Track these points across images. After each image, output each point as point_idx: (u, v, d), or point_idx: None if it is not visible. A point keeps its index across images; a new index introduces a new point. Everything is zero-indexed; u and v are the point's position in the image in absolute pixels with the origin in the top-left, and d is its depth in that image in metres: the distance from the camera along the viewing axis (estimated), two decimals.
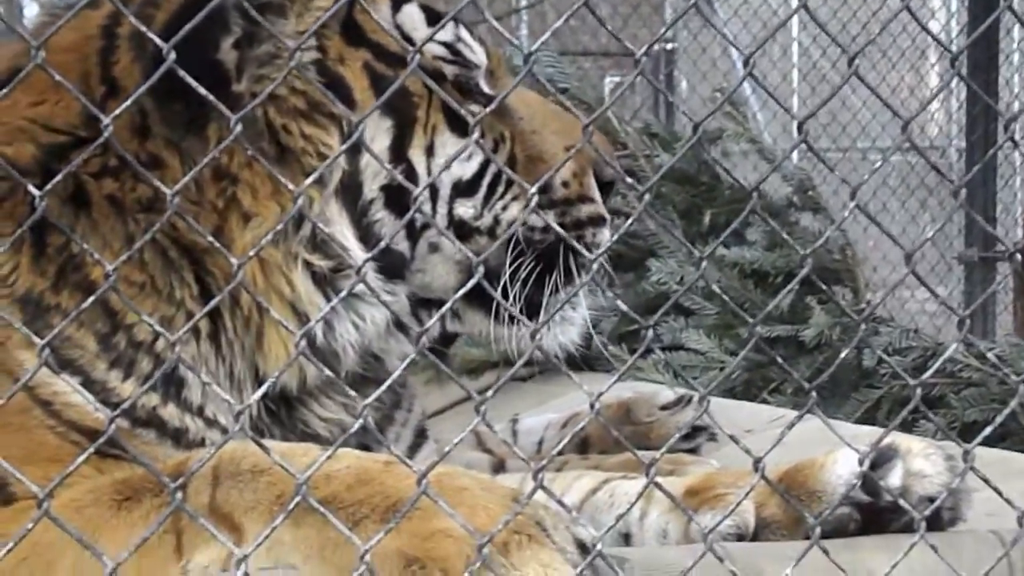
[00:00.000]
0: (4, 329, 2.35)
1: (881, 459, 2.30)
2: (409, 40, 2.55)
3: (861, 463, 2.27)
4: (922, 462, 2.32)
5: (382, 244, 2.18)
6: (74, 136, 2.46)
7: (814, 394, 2.14)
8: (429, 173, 2.53)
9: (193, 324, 2.22)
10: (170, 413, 2.43)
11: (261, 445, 1.95)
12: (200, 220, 2.39)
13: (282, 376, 2.47)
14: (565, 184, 2.63)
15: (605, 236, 2.64)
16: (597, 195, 2.66)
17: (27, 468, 2.11)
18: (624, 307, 2.25)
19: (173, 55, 1.77)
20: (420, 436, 2.86)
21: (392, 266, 2.53)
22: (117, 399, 2.39)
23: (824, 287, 2.49)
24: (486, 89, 2.65)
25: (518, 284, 2.57)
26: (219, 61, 2.37)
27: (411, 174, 2.52)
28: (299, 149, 2.44)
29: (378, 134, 2.50)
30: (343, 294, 2.18)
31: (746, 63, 2.09)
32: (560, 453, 2.15)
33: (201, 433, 2.45)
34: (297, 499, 1.87)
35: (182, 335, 2.02)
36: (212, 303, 2.16)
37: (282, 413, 2.55)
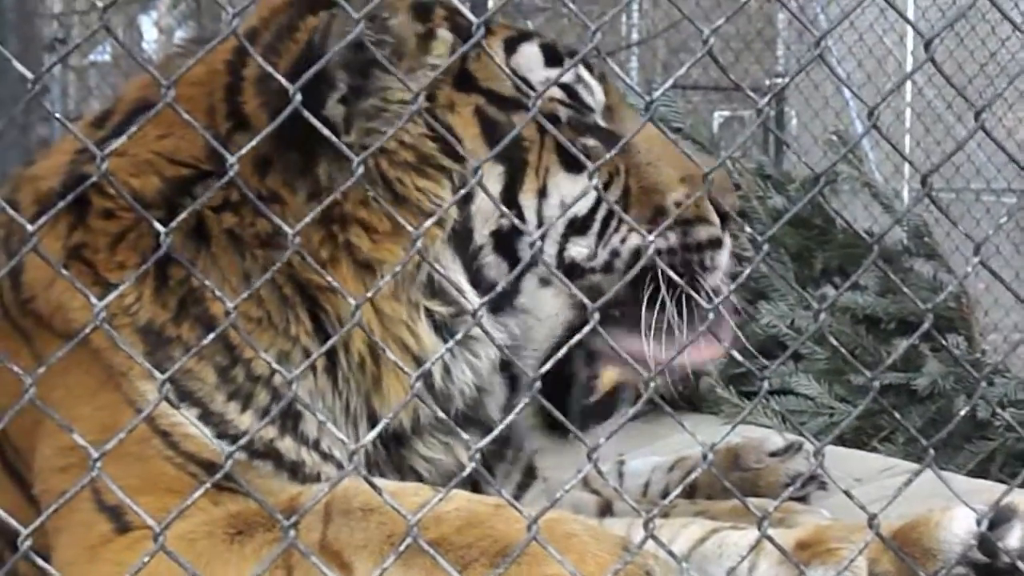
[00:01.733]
0: (127, 359, 2.39)
1: (999, 519, 2.26)
2: (526, 82, 2.54)
3: (979, 523, 2.23)
4: None
5: (498, 288, 2.18)
6: (198, 169, 2.50)
7: (932, 451, 2.11)
8: (539, 214, 2.53)
9: (311, 362, 2.23)
10: (287, 446, 2.45)
11: (373, 484, 1.96)
12: (316, 258, 2.42)
13: (399, 417, 2.48)
14: (678, 205, 2.60)
15: (723, 259, 2.64)
16: (715, 218, 2.64)
17: (144, 497, 2.15)
18: (736, 355, 2.23)
19: (299, 97, 1.80)
20: (529, 475, 2.85)
21: (499, 304, 2.52)
22: (235, 431, 2.42)
23: (939, 337, 2.44)
24: (604, 125, 2.64)
25: (656, 312, 2.55)
26: (326, 117, 2.38)
27: (520, 218, 2.52)
28: (414, 199, 2.45)
29: (489, 180, 2.49)
30: (457, 337, 2.19)
31: (870, 115, 2.06)
32: (669, 501, 2.13)
33: (317, 467, 2.46)
34: (408, 540, 1.88)
35: (299, 373, 2.04)
36: (330, 343, 2.17)
37: (390, 450, 2.56)
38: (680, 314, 2.53)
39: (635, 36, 12.16)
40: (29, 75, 1.71)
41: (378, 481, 2.13)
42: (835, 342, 2.11)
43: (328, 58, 2.15)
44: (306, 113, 1.83)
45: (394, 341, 2.44)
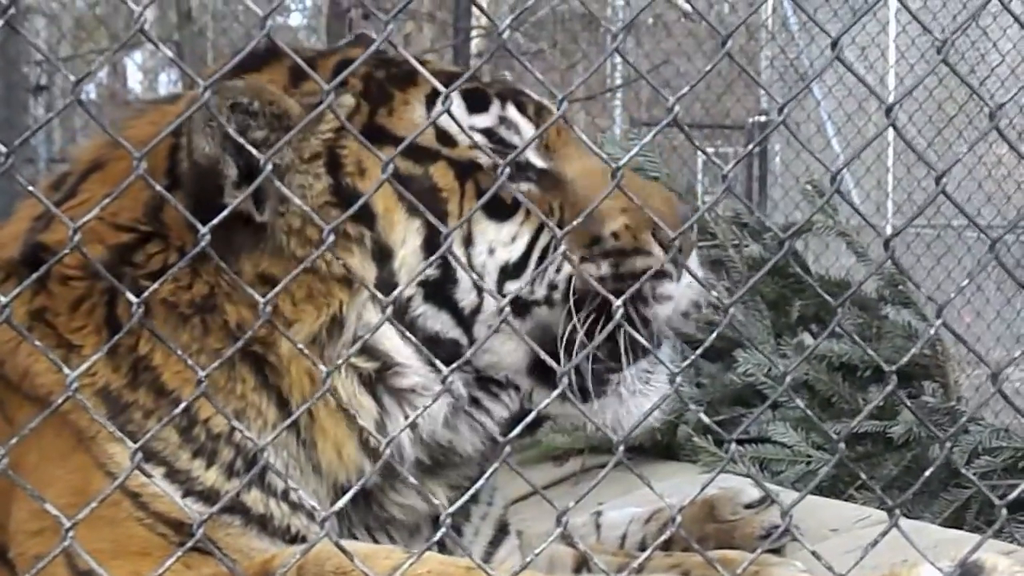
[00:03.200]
0: (92, 423, 2.42)
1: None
2: (444, 134, 2.57)
3: None
4: None
5: (465, 357, 2.20)
6: (137, 232, 2.54)
7: (897, 511, 2.13)
8: (470, 262, 2.54)
9: (280, 430, 2.25)
10: (254, 499, 2.48)
11: (343, 550, 1.98)
12: (252, 319, 2.45)
13: (340, 476, 2.51)
14: (615, 235, 2.59)
15: (669, 289, 2.60)
16: (656, 250, 2.60)
17: (117, 562, 2.18)
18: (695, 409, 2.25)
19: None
20: (501, 531, 2.86)
21: (446, 355, 2.48)
22: (201, 487, 2.45)
23: (904, 390, 2.46)
24: (538, 164, 2.63)
25: (582, 349, 2.52)
26: (226, 204, 2.42)
27: (448, 267, 2.52)
28: (324, 270, 2.49)
29: (408, 235, 2.52)
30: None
31: (832, 179, 2.10)
32: (640, 563, 2.16)
33: (287, 519, 2.49)
34: None
35: (271, 440, 2.07)
36: (296, 414, 2.19)
37: (359, 501, 2.58)
38: (623, 351, 2.53)
39: (618, 76, 12.22)
40: (2, 149, 1.74)
41: (351, 544, 2.15)
42: (801, 401, 2.13)
43: (173, 128, 2.14)
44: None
45: (321, 399, 2.45)
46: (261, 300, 1.88)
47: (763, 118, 12.96)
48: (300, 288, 2.48)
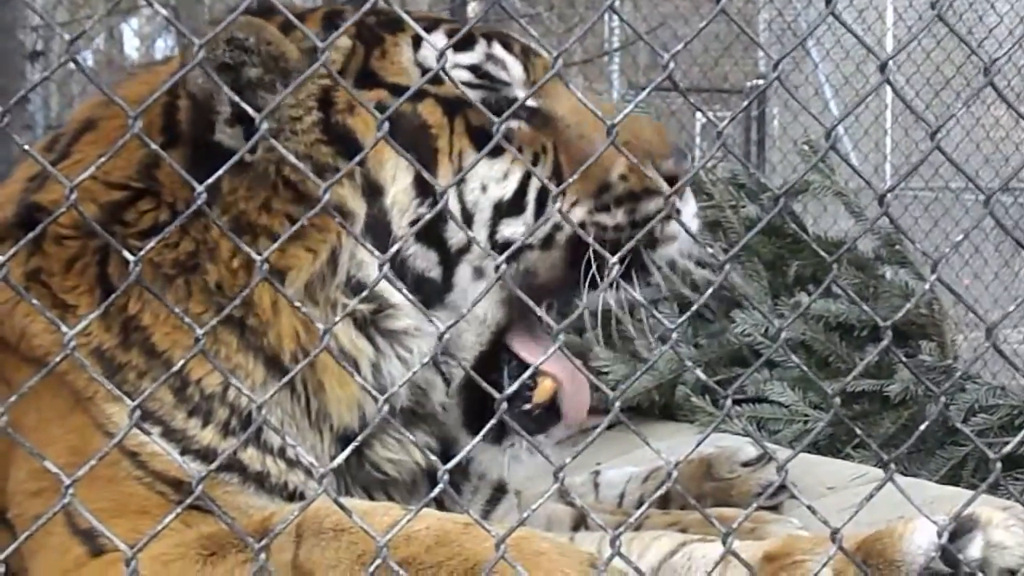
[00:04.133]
0: (91, 383, 2.43)
1: (961, 530, 2.29)
2: (431, 73, 2.54)
3: (940, 534, 2.26)
4: (1002, 533, 2.30)
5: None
6: (129, 189, 2.54)
7: (892, 466, 2.14)
8: (460, 200, 2.54)
9: (282, 385, 2.25)
10: (250, 456, 2.49)
11: (342, 506, 1.99)
12: (232, 279, 2.46)
13: (345, 418, 2.51)
14: (623, 178, 2.59)
15: (674, 228, 2.59)
16: (664, 186, 2.57)
17: (117, 521, 2.19)
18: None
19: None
20: (499, 490, 2.87)
21: (430, 299, 2.52)
22: (198, 446, 2.46)
23: (902, 348, 2.47)
24: (528, 102, 2.62)
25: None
26: (218, 142, 2.43)
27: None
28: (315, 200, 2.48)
29: (399, 172, 2.51)
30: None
31: (827, 136, 2.10)
32: (637, 518, 2.16)
33: (284, 476, 2.50)
34: (378, 561, 1.92)
35: (269, 399, 2.09)
36: (301, 365, 2.19)
37: (352, 459, 2.58)
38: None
39: (615, 39, 12.18)
40: None
41: (349, 501, 2.16)
42: (798, 358, 2.14)
43: (170, 84, 2.16)
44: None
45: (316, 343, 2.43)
46: (258, 257, 1.88)
47: (761, 82, 12.91)
48: (283, 226, 2.47)
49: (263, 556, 1.88)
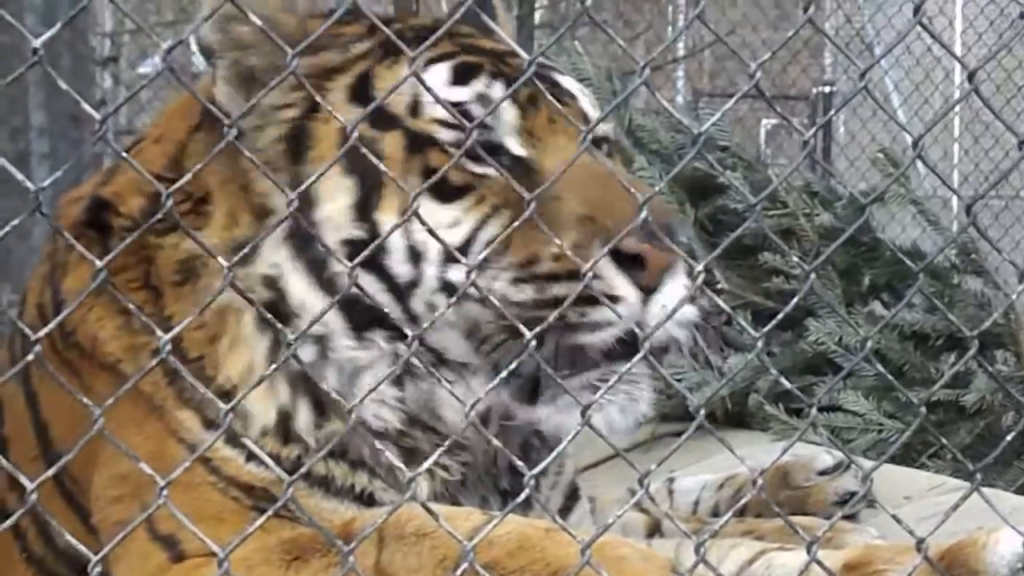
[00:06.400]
0: (159, 389, 2.46)
1: None
2: (414, 103, 2.48)
3: None
4: None
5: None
6: (163, 182, 2.55)
7: (978, 476, 2.13)
8: (409, 237, 2.41)
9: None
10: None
11: (429, 510, 2.01)
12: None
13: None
14: (556, 258, 2.35)
15: (604, 315, 2.32)
16: (610, 272, 2.33)
17: (197, 526, 2.20)
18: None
19: None
20: (571, 497, 2.82)
21: (369, 319, 2.42)
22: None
23: (984, 359, 2.45)
24: (513, 150, 2.48)
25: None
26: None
27: (374, 235, 2.38)
28: (255, 193, 2.48)
29: (338, 192, 2.42)
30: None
31: (915, 145, 2.10)
32: (720, 527, 2.17)
33: (348, 478, 2.47)
34: (464, 565, 1.93)
35: (359, 402, 2.10)
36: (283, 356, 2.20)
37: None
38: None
39: (680, 48, 12.17)
40: (96, 116, 1.78)
41: (433, 506, 2.17)
42: (878, 366, 2.13)
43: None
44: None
45: None
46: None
47: (827, 88, 12.86)
48: (227, 200, 2.50)
49: (351, 560, 1.89)
